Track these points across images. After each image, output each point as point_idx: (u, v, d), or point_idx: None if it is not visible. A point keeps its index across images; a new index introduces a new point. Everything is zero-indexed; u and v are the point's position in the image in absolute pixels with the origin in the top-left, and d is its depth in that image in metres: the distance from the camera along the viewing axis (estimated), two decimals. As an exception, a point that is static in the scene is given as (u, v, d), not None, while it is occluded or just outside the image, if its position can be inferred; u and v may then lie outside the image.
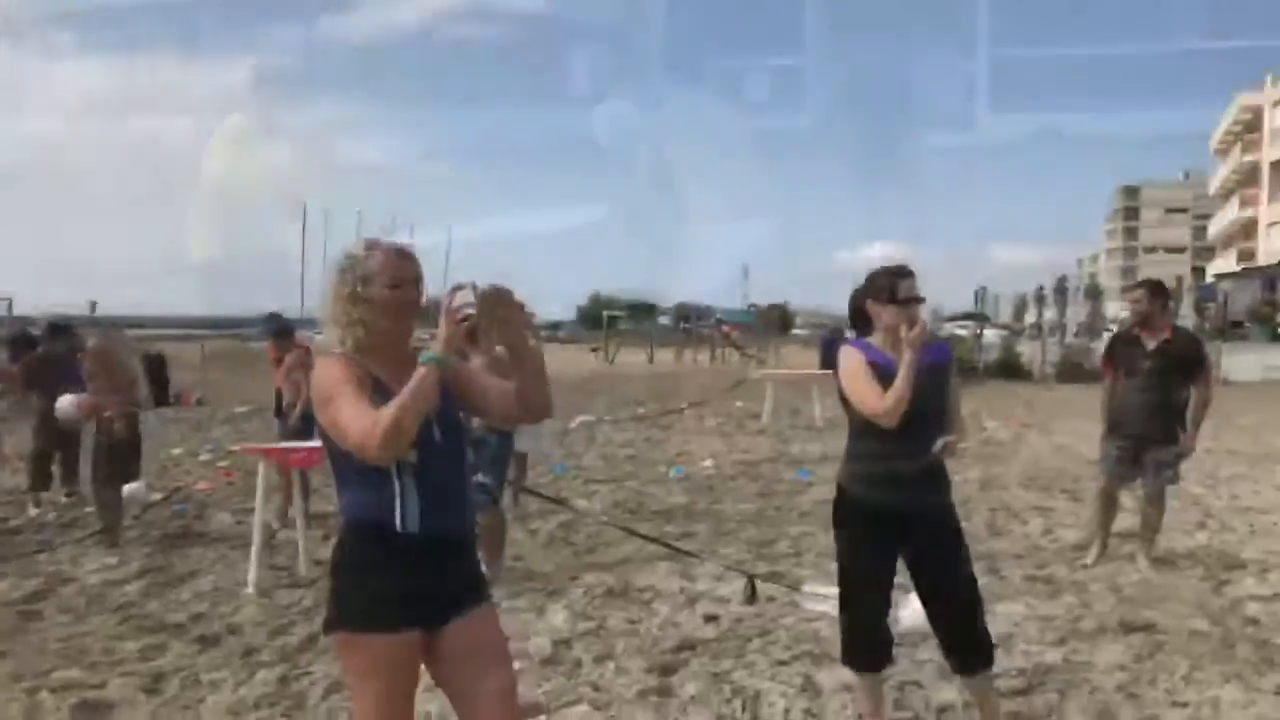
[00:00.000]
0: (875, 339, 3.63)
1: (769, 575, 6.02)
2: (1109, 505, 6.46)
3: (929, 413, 3.51)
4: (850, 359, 3.59)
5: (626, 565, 6.48)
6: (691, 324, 45.59)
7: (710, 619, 5.27)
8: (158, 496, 8.57)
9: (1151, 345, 6.21)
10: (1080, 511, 8.09)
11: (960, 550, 3.62)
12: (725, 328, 43.32)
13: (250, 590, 5.88)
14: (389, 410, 2.31)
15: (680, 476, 10.25)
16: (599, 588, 5.88)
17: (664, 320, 62.33)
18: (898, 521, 3.54)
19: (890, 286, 3.53)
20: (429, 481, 2.48)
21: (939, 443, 3.49)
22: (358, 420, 2.34)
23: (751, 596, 5.56)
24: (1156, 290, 6.41)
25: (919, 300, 3.55)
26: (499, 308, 2.43)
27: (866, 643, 3.63)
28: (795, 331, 63.21)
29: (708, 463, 11.20)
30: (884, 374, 3.49)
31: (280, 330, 8.40)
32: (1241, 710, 3.99)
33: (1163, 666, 4.48)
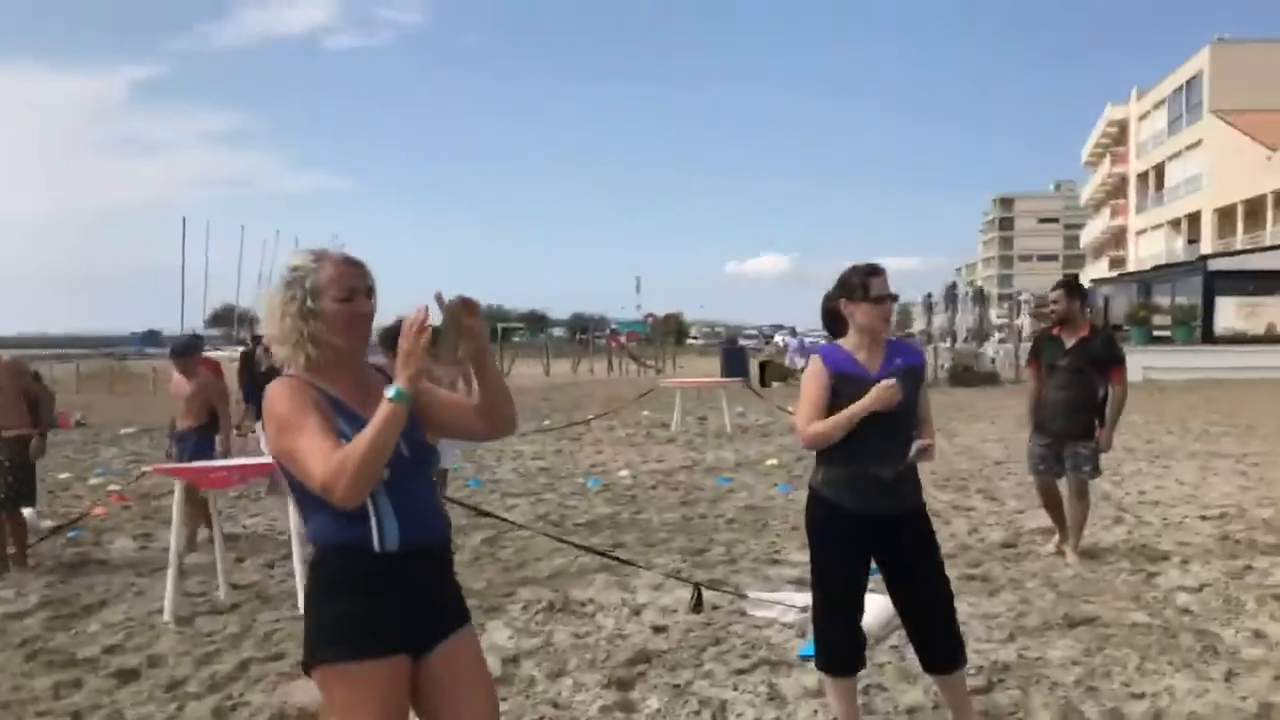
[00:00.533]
0: (849, 341, 3.59)
1: (709, 583, 5.94)
2: (1049, 499, 6.60)
3: (902, 416, 3.48)
4: (813, 366, 3.59)
5: (561, 578, 6.32)
6: (588, 335, 45.55)
7: (659, 630, 5.16)
8: (49, 524, 8.06)
9: (1070, 344, 6.36)
10: (1000, 511, 8.26)
11: (934, 551, 3.60)
12: (621, 338, 43.39)
13: (167, 619, 5.54)
14: (355, 456, 2.17)
15: (598, 487, 10.12)
16: (538, 603, 5.72)
17: (558, 332, 62.23)
18: (873, 525, 3.50)
19: (863, 285, 3.50)
20: (403, 498, 2.35)
21: (914, 448, 3.45)
22: (321, 461, 2.20)
23: (698, 605, 5.46)
24: (1073, 291, 6.56)
25: (893, 297, 3.53)
26: (465, 318, 2.30)
27: (843, 646, 3.57)
28: (690, 341, 63.85)
29: (624, 473, 11.11)
30: (852, 382, 3.48)
31: (185, 348, 7.95)
32: (1197, 699, 4.06)
33: (1113, 660, 4.54)
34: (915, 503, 3.58)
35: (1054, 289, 6.68)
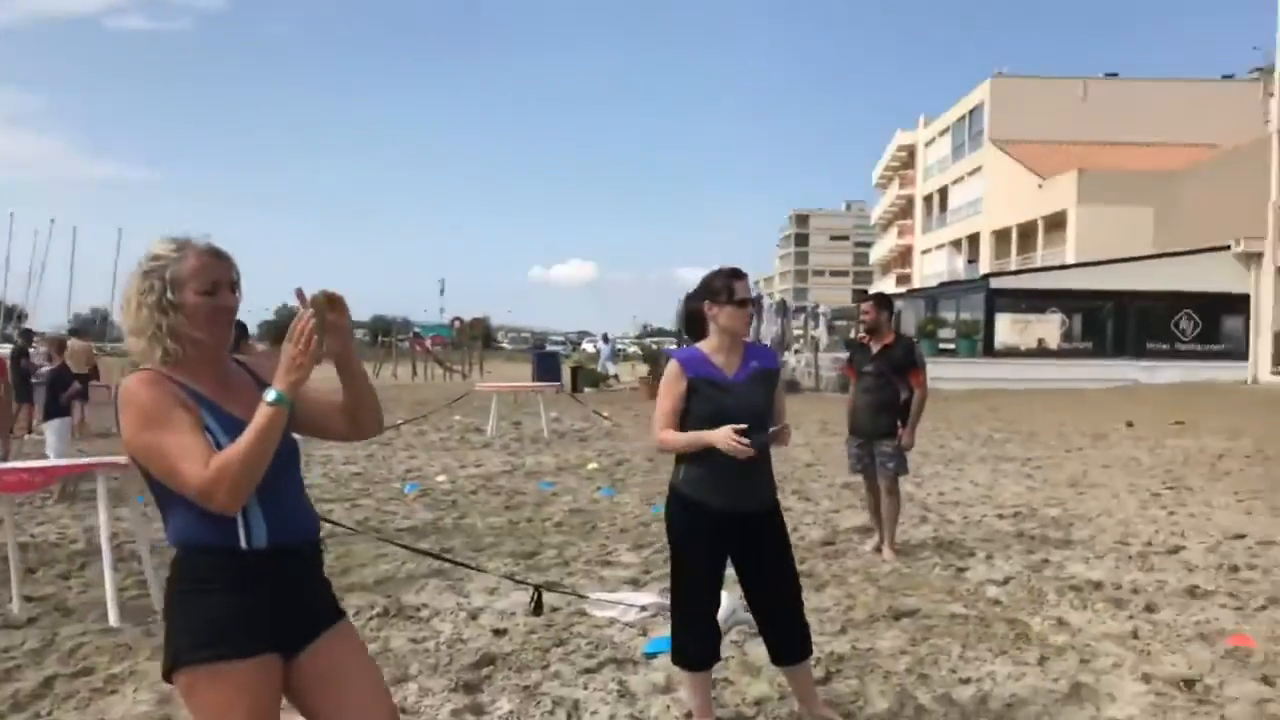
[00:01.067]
0: (708, 343, 3.66)
1: (545, 585, 5.89)
2: (871, 498, 6.99)
3: (758, 416, 3.58)
4: (671, 370, 3.65)
5: (389, 584, 6.14)
6: (390, 338, 44.44)
7: (500, 632, 5.08)
8: None
9: (875, 350, 6.80)
10: (816, 510, 8.59)
11: (788, 548, 3.72)
12: (426, 342, 42.57)
13: (-46, 636, 5.03)
14: (235, 462, 2.11)
15: (416, 492, 9.88)
16: (370, 609, 5.52)
17: (358, 334, 60.43)
18: (730, 521, 3.57)
19: (728, 288, 3.59)
20: (271, 497, 2.27)
21: (771, 430, 3.56)
22: (197, 464, 2.12)
23: (538, 607, 5.41)
24: (882, 302, 7.04)
25: (754, 301, 3.63)
26: (330, 313, 2.24)
27: (700, 641, 3.63)
28: (499, 346, 63.35)
29: (441, 478, 10.90)
30: (710, 384, 3.56)
31: None
32: (1016, 682, 4.35)
33: (938, 649, 4.79)
34: (772, 500, 3.69)
35: (864, 300, 7.18)
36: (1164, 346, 28.55)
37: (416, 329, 47.82)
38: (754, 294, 3.86)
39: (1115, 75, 46.80)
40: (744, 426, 3.39)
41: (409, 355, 39.86)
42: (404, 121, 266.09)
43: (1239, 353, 27.36)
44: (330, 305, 2.24)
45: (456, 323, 45.96)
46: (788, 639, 3.70)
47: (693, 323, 3.74)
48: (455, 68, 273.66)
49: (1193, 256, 28.57)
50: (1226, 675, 4.44)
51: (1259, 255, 26.55)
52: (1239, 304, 27.39)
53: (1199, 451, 13.21)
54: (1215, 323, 28.59)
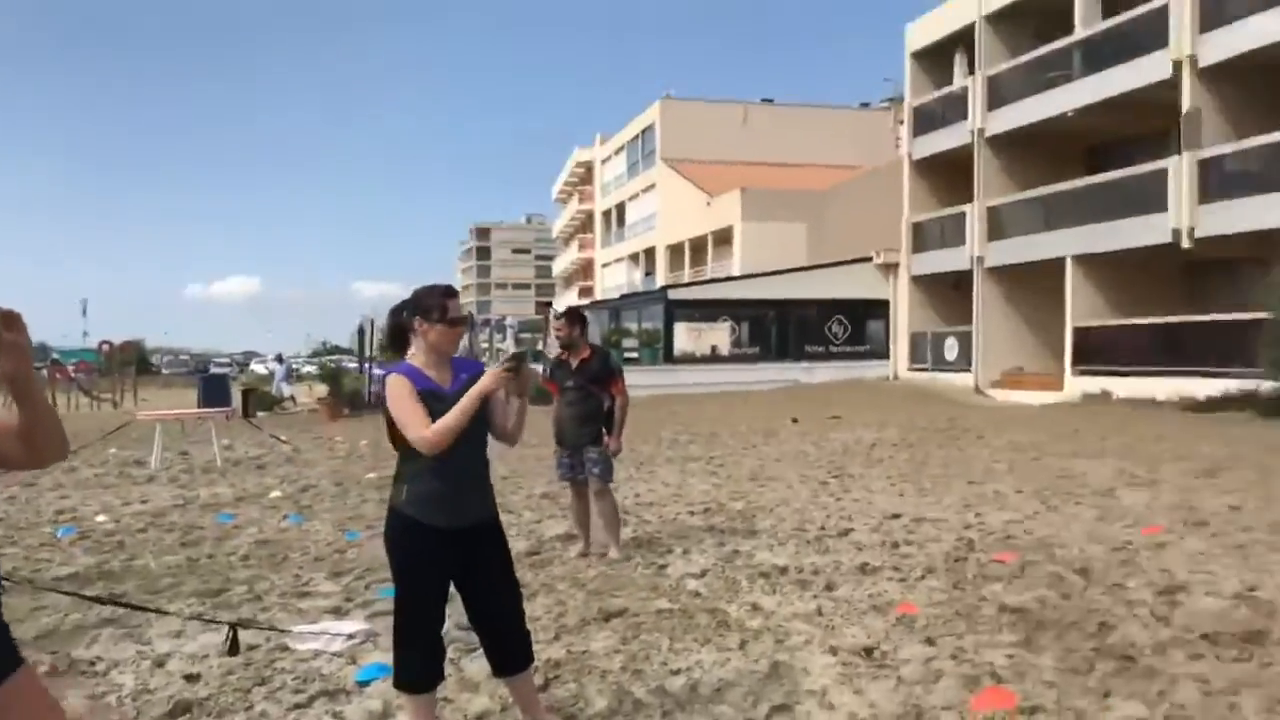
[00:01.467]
0: (417, 359, 3.61)
1: (240, 622, 5.52)
2: (581, 506, 7.20)
3: (478, 422, 3.56)
4: (397, 386, 3.56)
5: (53, 638, 5.51)
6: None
7: (192, 678, 4.69)
8: None
9: (574, 364, 7.01)
10: (519, 522, 8.62)
11: (509, 558, 3.73)
12: (69, 368, 38.64)
13: None
14: None
15: (73, 536, 8.92)
16: (35, 666, 4.91)
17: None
18: (455, 537, 3.53)
19: (441, 307, 3.55)
20: None
21: (517, 351, 3.61)
22: None
23: (233, 646, 5.05)
24: (575, 317, 7.27)
25: (465, 320, 3.63)
26: (7, 332, 2.05)
27: (426, 663, 3.56)
28: (155, 370, 58.44)
29: (102, 518, 9.89)
30: (432, 397, 3.52)
31: None
32: (722, 667, 4.59)
33: (648, 644, 4.96)
34: (492, 513, 3.69)
35: (557, 317, 7.38)
36: (820, 349, 31.20)
37: (55, 355, 43.28)
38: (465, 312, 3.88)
39: (771, 101, 50.49)
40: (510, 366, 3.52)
41: (48, 385, 35.92)
42: (27, 123, 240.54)
43: (882, 352, 30.41)
44: (5, 323, 2.04)
45: (105, 347, 42.01)
46: (512, 650, 3.70)
47: (397, 337, 3.67)
48: (95, 63, 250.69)
49: (841, 268, 31.42)
50: (898, 640, 4.92)
51: (896, 265, 29.63)
52: (880, 309, 30.45)
53: (855, 442, 14.54)
54: (861, 326, 31.62)
